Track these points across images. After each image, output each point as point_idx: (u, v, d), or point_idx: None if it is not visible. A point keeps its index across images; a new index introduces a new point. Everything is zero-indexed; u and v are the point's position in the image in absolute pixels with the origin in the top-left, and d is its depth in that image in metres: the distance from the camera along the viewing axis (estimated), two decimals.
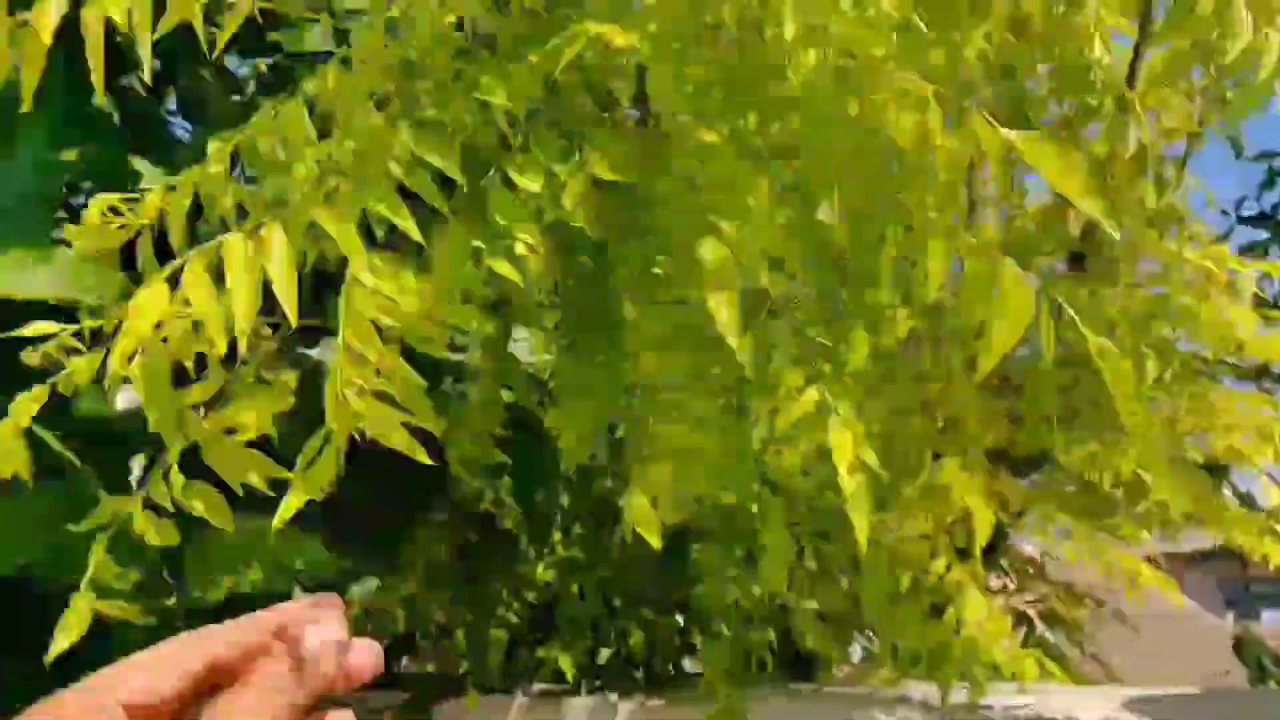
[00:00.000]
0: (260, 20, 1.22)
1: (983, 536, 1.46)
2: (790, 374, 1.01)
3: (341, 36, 1.54)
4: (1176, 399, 1.70)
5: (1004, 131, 0.98)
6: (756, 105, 1.12)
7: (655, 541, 1.08)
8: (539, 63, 1.07)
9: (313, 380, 1.10)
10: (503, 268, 1.02)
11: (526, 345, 1.48)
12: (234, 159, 1.15)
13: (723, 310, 0.90)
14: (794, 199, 1.13)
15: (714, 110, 1.11)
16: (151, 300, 0.93)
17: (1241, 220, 3.31)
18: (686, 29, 1.08)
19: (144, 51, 1.01)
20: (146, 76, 0.99)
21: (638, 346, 1.12)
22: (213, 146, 1.15)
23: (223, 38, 1.12)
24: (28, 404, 1.01)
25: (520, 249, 1.07)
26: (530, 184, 1.09)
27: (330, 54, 1.21)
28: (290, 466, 1.02)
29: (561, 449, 1.16)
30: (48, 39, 0.94)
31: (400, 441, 1.04)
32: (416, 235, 1.00)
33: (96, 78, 0.97)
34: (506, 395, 1.29)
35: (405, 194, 1.11)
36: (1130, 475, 1.69)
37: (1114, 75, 1.41)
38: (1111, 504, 1.82)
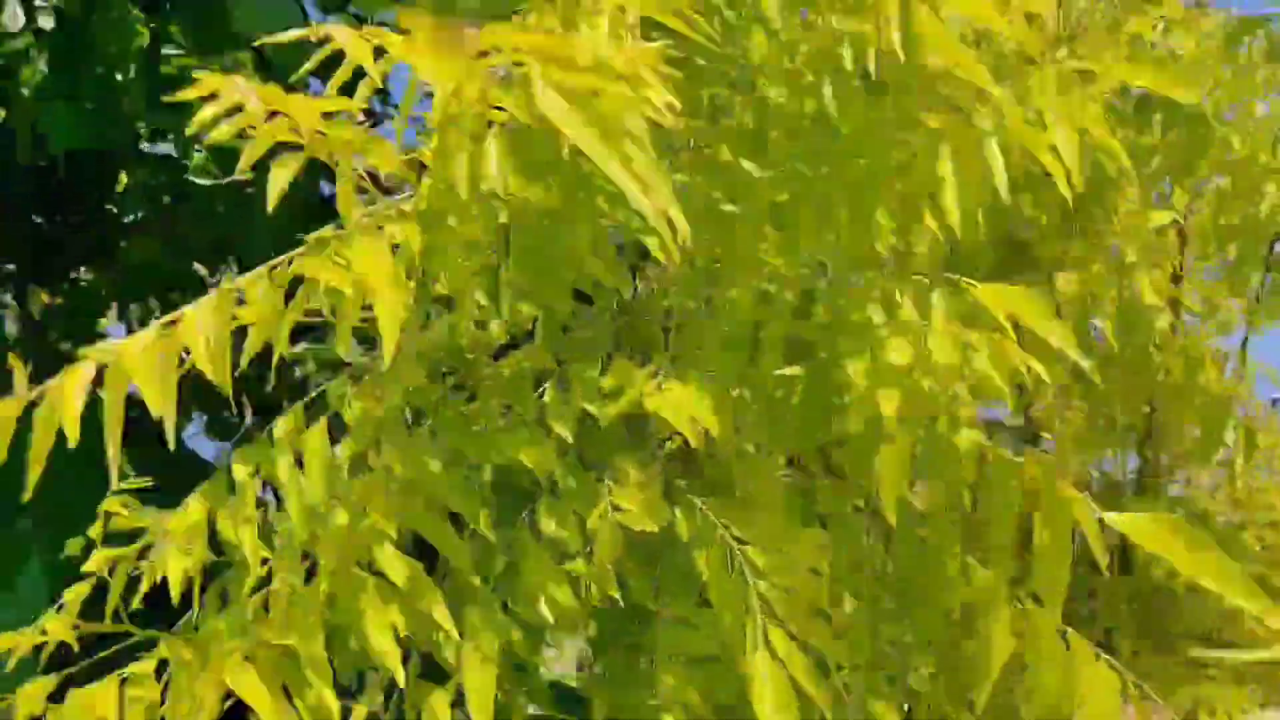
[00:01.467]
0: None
1: None
2: None
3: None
4: None
5: (1109, 516, 0.93)
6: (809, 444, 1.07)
7: None
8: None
9: None
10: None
11: None
12: None
13: None
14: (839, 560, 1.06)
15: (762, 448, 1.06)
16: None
17: None
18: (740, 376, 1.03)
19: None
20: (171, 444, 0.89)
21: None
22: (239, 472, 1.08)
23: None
24: None
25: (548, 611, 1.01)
26: (562, 533, 1.03)
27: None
28: None
29: None
30: (74, 433, 0.84)
31: None
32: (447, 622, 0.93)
33: (113, 452, 0.88)
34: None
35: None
36: None
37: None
38: None
